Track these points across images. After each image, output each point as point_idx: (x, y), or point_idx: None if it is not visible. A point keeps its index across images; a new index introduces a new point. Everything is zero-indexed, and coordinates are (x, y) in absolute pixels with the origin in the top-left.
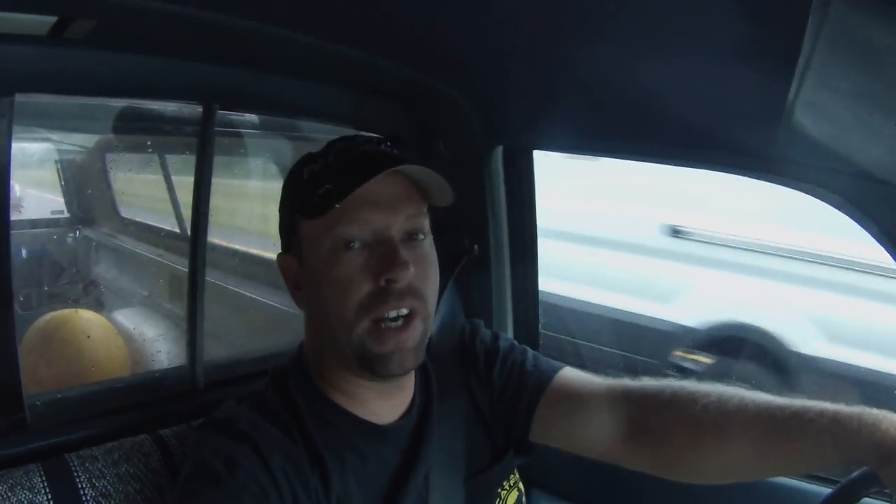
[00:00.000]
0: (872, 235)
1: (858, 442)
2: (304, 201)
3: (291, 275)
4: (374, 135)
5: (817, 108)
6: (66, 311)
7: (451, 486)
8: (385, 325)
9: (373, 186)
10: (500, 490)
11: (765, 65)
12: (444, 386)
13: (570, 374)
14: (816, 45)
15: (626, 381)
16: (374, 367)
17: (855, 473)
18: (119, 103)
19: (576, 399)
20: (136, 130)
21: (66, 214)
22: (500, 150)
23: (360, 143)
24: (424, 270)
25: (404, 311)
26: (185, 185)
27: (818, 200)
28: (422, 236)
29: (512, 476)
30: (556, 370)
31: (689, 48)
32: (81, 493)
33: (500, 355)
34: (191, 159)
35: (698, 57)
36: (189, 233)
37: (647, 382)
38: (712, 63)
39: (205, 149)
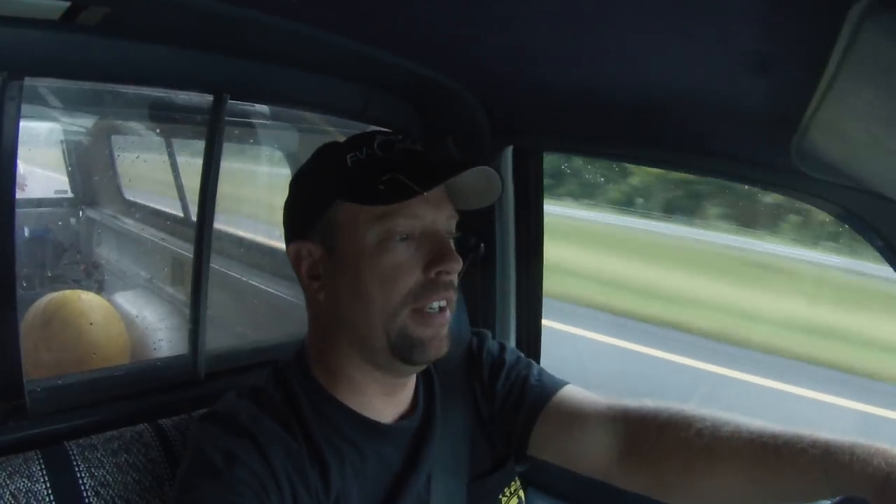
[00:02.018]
0: (878, 251)
1: (850, 476)
2: (354, 187)
3: (307, 261)
4: (392, 132)
5: (834, 126)
6: (67, 293)
7: (453, 489)
8: (428, 310)
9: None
10: (501, 496)
11: (785, 81)
12: (449, 392)
13: (572, 391)
14: (842, 67)
15: (627, 402)
16: (413, 353)
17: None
18: (128, 90)
19: (574, 417)
20: (145, 117)
21: (70, 195)
22: (509, 151)
23: (400, 139)
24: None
25: (443, 303)
26: (188, 166)
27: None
28: (453, 236)
29: (513, 483)
30: (558, 387)
31: (706, 59)
32: (80, 481)
33: (506, 367)
34: (195, 143)
35: (715, 68)
36: (190, 216)
37: (647, 404)
38: (730, 74)
39: (214, 138)
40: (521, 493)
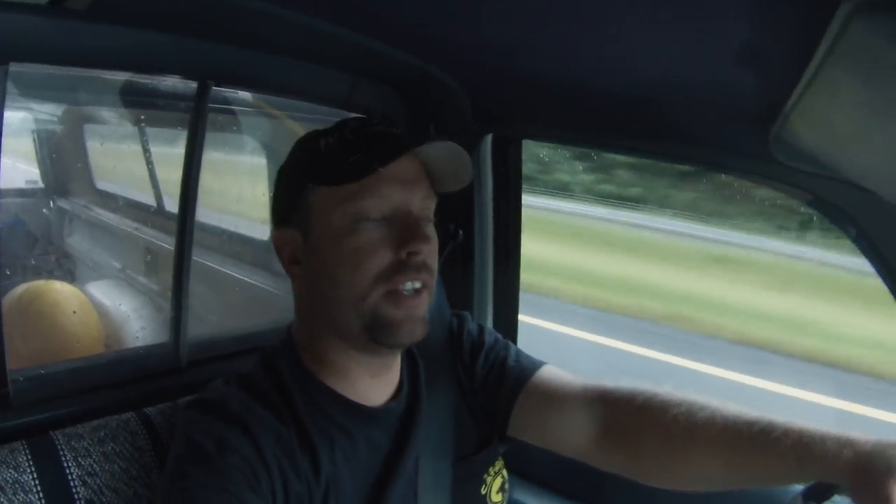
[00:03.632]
0: (850, 238)
1: (822, 467)
2: (324, 170)
3: (289, 248)
4: (371, 118)
5: (815, 116)
6: (41, 283)
7: (440, 469)
8: (402, 291)
9: (395, 164)
10: (485, 476)
11: (771, 73)
12: (433, 373)
13: (551, 372)
14: (828, 60)
15: (604, 384)
16: (385, 334)
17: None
18: (111, 76)
19: (553, 397)
20: (127, 104)
21: (41, 185)
22: (489, 138)
23: (375, 123)
24: (433, 249)
25: (418, 285)
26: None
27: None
28: (430, 219)
29: (497, 462)
30: (536, 367)
31: (692, 50)
32: (67, 471)
33: (485, 348)
34: (172, 132)
35: (702, 59)
36: (163, 206)
37: (623, 386)
38: (716, 66)
39: (197, 125)
40: (505, 472)
